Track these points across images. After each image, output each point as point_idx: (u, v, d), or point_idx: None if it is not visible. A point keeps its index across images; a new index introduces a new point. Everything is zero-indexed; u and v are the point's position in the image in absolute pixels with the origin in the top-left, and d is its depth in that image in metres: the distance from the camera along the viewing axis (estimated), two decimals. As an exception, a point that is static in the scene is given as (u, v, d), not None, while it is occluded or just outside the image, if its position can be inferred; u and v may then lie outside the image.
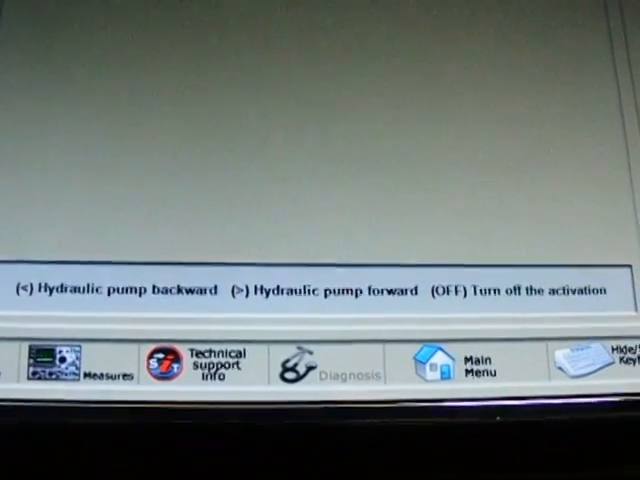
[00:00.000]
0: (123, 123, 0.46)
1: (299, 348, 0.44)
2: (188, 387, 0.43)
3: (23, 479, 0.43)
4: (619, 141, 0.49)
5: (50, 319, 0.43)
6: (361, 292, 0.45)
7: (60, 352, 0.43)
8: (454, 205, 0.46)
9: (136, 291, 0.44)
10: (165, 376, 0.43)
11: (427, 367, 0.44)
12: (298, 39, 0.48)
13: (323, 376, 0.44)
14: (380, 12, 0.50)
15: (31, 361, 0.43)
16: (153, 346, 0.43)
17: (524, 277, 0.46)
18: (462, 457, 0.44)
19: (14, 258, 0.44)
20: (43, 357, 0.43)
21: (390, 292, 0.45)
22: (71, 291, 0.44)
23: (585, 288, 0.46)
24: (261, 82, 0.48)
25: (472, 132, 0.48)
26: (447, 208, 0.46)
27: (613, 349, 0.45)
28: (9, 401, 0.42)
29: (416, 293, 0.45)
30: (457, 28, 0.50)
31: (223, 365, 0.43)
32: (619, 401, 0.45)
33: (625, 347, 0.45)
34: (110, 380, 0.43)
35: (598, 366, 0.45)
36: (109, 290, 0.44)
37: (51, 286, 0.44)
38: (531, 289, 0.46)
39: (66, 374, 0.43)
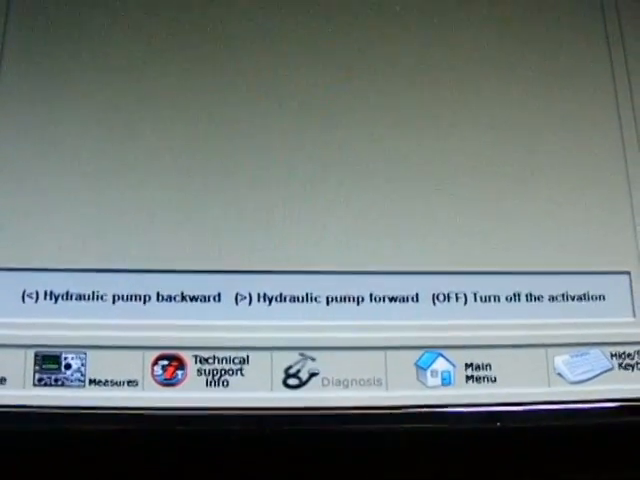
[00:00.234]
0: (126, 132, 0.46)
1: (302, 355, 0.44)
2: (192, 393, 0.43)
3: (29, 484, 0.43)
4: (617, 149, 0.49)
5: (55, 326, 0.44)
6: (363, 299, 0.45)
7: (65, 359, 0.43)
8: (454, 213, 0.46)
9: (141, 299, 0.44)
10: (169, 382, 0.43)
11: (428, 373, 0.44)
12: (299, 49, 0.49)
13: (325, 382, 0.44)
14: (380, 20, 0.50)
15: (37, 368, 0.43)
16: (157, 353, 0.44)
17: (524, 284, 0.46)
18: (463, 462, 0.44)
19: (20, 266, 0.44)
20: (49, 364, 0.43)
21: (391, 299, 0.45)
22: (76, 299, 0.44)
23: (584, 295, 0.46)
24: (262, 91, 0.48)
25: (472, 141, 0.48)
26: (447, 216, 0.46)
27: (612, 355, 0.46)
28: (15, 407, 0.42)
29: (417, 300, 0.45)
30: (457, 37, 0.50)
31: (227, 371, 0.44)
32: (618, 406, 0.45)
33: (624, 353, 0.46)
34: (115, 386, 0.43)
35: (597, 372, 0.45)
36: (114, 297, 0.44)
37: (56, 294, 0.44)
38: (531, 296, 0.46)
39: (71, 380, 0.43)
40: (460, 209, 0.47)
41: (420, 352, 0.45)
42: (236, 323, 0.44)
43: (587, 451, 0.45)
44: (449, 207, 0.47)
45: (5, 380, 0.43)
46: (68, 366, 0.43)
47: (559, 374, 0.45)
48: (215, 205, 0.46)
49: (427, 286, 0.45)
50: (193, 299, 0.44)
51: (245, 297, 0.45)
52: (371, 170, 0.47)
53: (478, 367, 0.45)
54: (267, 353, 0.44)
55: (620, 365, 0.46)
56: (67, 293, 0.44)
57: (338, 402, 0.44)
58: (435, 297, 0.46)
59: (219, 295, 0.45)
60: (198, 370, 0.44)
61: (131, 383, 0.43)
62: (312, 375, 0.44)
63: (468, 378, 0.45)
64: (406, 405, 0.44)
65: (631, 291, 0.47)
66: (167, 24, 0.49)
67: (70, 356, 0.43)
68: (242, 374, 0.44)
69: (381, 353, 0.44)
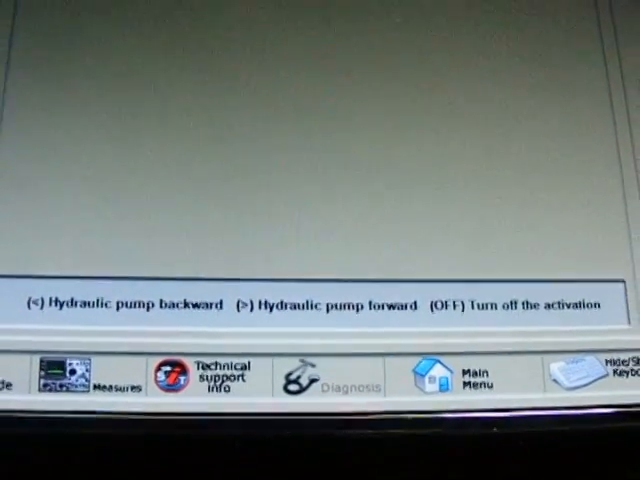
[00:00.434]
0: (130, 141, 0.47)
1: (302, 361, 0.44)
2: (194, 399, 0.44)
3: (35, 488, 0.43)
4: (612, 158, 0.49)
5: (60, 332, 0.44)
6: (362, 307, 0.45)
7: (70, 365, 0.44)
8: (453, 223, 0.47)
9: (144, 305, 0.45)
10: (172, 388, 0.44)
11: (426, 379, 0.45)
12: (300, 61, 0.49)
13: (325, 388, 0.44)
14: (380, 28, 0.50)
15: (42, 373, 0.43)
16: (161, 359, 0.44)
17: (520, 292, 0.46)
18: (460, 467, 0.44)
19: (25, 273, 0.45)
20: (54, 369, 0.43)
21: (390, 307, 0.46)
22: (81, 305, 0.44)
23: (580, 302, 0.47)
24: (263, 98, 0.48)
25: (470, 150, 0.48)
26: (446, 225, 0.47)
27: (607, 362, 0.46)
28: (21, 412, 0.43)
29: (415, 308, 0.46)
30: (458, 46, 0.50)
31: (228, 377, 0.44)
32: (613, 412, 0.45)
33: (618, 360, 0.46)
34: (119, 392, 0.43)
35: (592, 378, 0.46)
36: (118, 304, 0.45)
37: (61, 300, 0.44)
38: (527, 304, 0.46)
39: (76, 386, 0.43)
40: (458, 218, 0.47)
41: (418, 359, 0.45)
42: (238, 330, 0.45)
43: (583, 456, 0.45)
44: (447, 216, 0.47)
45: (11, 385, 0.43)
46: (73, 372, 0.44)
47: (555, 380, 0.45)
48: (217, 213, 0.46)
49: (425, 294, 0.46)
50: (195, 306, 0.45)
51: (247, 304, 0.45)
52: (371, 180, 0.47)
53: (475, 373, 0.45)
54: (268, 359, 0.44)
55: (615, 372, 0.46)
56: (72, 300, 0.44)
57: (338, 407, 0.44)
58: (433, 305, 0.46)
59: (221, 302, 0.45)
60: (200, 376, 0.44)
61: (135, 388, 0.44)
62: (312, 381, 0.44)
63: (465, 384, 0.45)
64: (404, 411, 0.44)
65: (626, 299, 0.47)
66: (168, 30, 0.49)
67: (75, 362, 0.44)
68: (243, 380, 0.44)
69: (380, 359, 0.45)
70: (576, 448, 0.45)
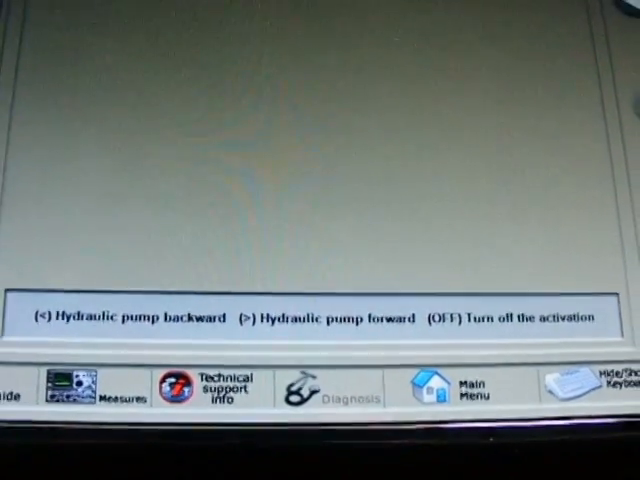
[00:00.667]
0: (135, 157, 0.47)
1: (303, 373, 0.45)
2: (198, 410, 0.44)
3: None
4: (606, 174, 0.49)
5: (67, 345, 0.44)
6: (361, 320, 0.46)
7: (77, 376, 0.44)
8: (449, 238, 0.47)
9: (149, 319, 0.45)
10: (177, 399, 0.44)
11: (424, 391, 0.45)
12: (299, 79, 0.50)
13: (326, 399, 0.45)
14: (379, 47, 0.51)
15: (49, 385, 0.44)
16: (165, 371, 0.44)
17: (516, 305, 0.47)
18: (458, 476, 0.45)
19: (33, 287, 0.45)
20: (61, 381, 0.44)
21: (389, 320, 0.46)
22: (87, 318, 0.45)
23: (574, 315, 0.47)
24: (265, 115, 0.49)
25: (466, 167, 0.49)
26: (443, 241, 0.47)
27: (601, 373, 0.46)
28: (29, 422, 0.43)
29: (413, 321, 0.46)
30: (454, 69, 0.51)
31: (232, 389, 0.44)
32: (606, 422, 0.45)
33: (612, 371, 0.46)
34: (124, 403, 0.44)
35: (586, 389, 0.46)
36: (123, 318, 0.45)
37: (68, 314, 0.45)
38: (523, 316, 0.47)
39: (83, 397, 0.44)
40: (455, 234, 0.47)
41: (416, 370, 0.45)
42: (240, 342, 0.45)
43: (577, 465, 0.45)
44: (445, 232, 0.47)
45: (19, 396, 0.44)
46: (79, 383, 0.44)
47: (550, 391, 0.46)
48: (220, 231, 0.46)
49: (423, 307, 0.46)
50: (199, 319, 0.45)
51: (249, 317, 0.46)
52: (370, 197, 0.48)
53: (472, 385, 0.45)
54: (270, 371, 0.45)
55: (609, 383, 0.46)
56: (78, 313, 0.45)
57: (338, 418, 0.44)
58: (431, 317, 0.46)
59: (224, 316, 0.45)
60: (204, 387, 0.44)
61: (140, 400, 0.44)
62: (313, 392, 0.45)
63: (462, 395, 0.45)
64: (403, 421, 0.44)
65: (619, 312, 0.47)
66: (170, 42, 0.50)
67: (81, 374, 0.44)
68: (246, 391, 0.44)
69: (379, 371, 0.45)
70: (571, 457, 0.45)
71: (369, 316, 0.46)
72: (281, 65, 0.50)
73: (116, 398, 0.44)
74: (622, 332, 0.47)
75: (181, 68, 0.49)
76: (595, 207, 0.49)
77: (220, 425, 0.44)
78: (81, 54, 0.49)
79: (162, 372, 0.45)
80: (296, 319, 0.46)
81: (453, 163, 0.49)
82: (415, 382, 0.45)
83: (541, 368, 0.46)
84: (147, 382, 0.44)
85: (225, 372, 0.45)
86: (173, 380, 0.44)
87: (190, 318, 0.45)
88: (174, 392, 0.44)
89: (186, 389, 0.44)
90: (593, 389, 0.46)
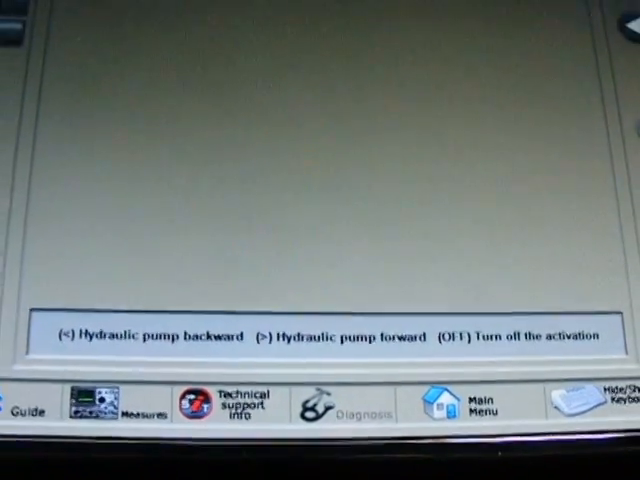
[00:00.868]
0: (158, 180, 0.48)
1: (318, 389, 0.46)
2: (217, 425, 0.45)
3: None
4: (610, 195, 0.50)
5: (90, 363, 0.45)
6: (374, 338, 0.47)
7: (100, 393, 0.45)
8: (459, 259, 0.48)
9: (169, 337, 0.46)
10: (196, 415, 0.45)
11: (434, 407, 0.46)
12: (313, 100, 0.51)
13: (340, 415, 0.46)
14: (379, 72, 0.52)
15: (73, 401, 0.45)
16: (185, 388, 0.45)
17: (523, 324, 0.47)
18: None
19: (57, 307, 0.46)
20: (84, 397, 0.45)
21: (400, 338, 0.47)
22: (109, 337, 0.46)
23: (579, 334, 0.48)
24: (276, 139, 0.50)
25: (473, 190, 0.50)
26: (453, 262, 0.48)
27: (605, 390, 0.47)
28: (53, 437, 0.44)
29: (424, 339, 0.47)
30: (464, 96, 0.52)
31: (249, 405, 0.45)
32: (611, 437, 0.46)
33: (616, 388, 0.47)
34: (146, 419, 0.45)
35: (591, 405, 0.47)
36: (144, 336, 0.46)
37: (91, 332, 0.46)
38: (530, 335, 0.48)
39: (105, 413, 0.45)
40: (464, 256, 0.48)
41: (427, 387, 0.46)
42: (257, 360, 0.46)
43: (582, 479, 0.46)
44: (454, 254, 0.48)
45: (44, 412, 0.45)
46: (102, 400, 0.45)
47: (556, 407, 0.46)
48: (238, 252, 0.47)
49: (434, 326, 0.47)
50: (217, 338, 0.46)
51: (266, 336, 0.46)
52: (382, 221, 0.48)
53: (481, 401, 0.46)
54: (286, 388, 0.45)
55: (613, 399, 0.47)
56: (101, 332, 0.46)
57: (352, 433, 0.45)
58: (441, 336, 0.47)
59: (242, 334, 0.46)
60: (222, 404, 0.45)
61: (160, 416, 0.45)
62: (328, 408, 0.46)
63: (471, 411, 0.46)
64: (414, 436, 0.45)
65: (623, 330, 0.48)
66: (181, 78, 0.51)
67: (104, 390, 0.45)
68: (263, 407, 0.45)
69: (391, 388, 0.46)
70: (577, 471, 0.46)
71: (382, 335, 0.47)
72: (294, 82, 0.51)
73: (138, 414, 0.45)
74: (626, 350, 0.48)
75: (200, 97, 0.50)
76: (599, 228, 0.50)
77: (238, 440, 0.45)
78: (100, 82, 0.51)
79: (182, 389, 0.45)
80: (311, 338, 0.47)
81: (462, 185, 0.50)
82: (426, 398, 0.46)
83: (547, 385, 0.47)
84: (167, 398, 0.45)
85: (243, 389, 0.46)
86: (193, 397, 0.45)
87: (209, 337, 0.46)
88: (193, 408, 0.45)
89: (205, 405, 0.45)
90: (598, 405, 0.47)
